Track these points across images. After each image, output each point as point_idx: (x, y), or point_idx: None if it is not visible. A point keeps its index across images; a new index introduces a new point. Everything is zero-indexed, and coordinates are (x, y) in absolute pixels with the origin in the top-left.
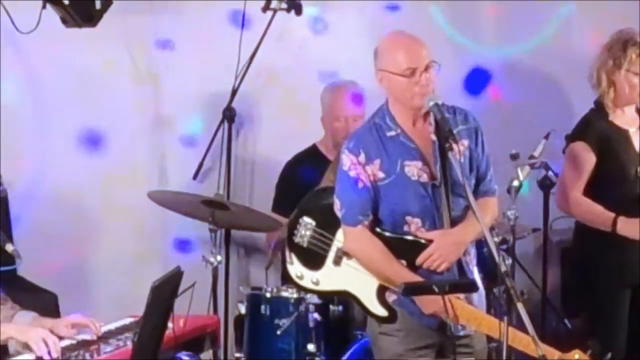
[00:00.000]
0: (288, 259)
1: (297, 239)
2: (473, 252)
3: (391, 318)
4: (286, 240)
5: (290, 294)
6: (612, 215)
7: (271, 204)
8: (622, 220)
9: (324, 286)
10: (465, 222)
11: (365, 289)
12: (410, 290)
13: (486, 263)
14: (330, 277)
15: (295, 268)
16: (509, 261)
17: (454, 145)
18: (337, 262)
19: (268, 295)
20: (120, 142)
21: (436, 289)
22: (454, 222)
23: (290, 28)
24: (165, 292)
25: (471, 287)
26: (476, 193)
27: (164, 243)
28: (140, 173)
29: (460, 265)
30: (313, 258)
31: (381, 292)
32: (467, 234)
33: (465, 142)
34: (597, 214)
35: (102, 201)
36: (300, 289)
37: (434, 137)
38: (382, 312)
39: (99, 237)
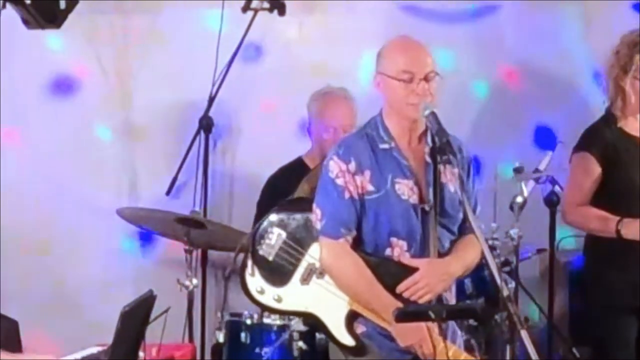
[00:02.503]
0: (249, 271)
1: (262, 251)
2: (454, 289)
3: (358, 349)
4: (250, 250)
5: (273, 320)
6: (616, 218)
7: (252, 222)
8: (626, 222)
9: (287, 305)
10: (455, 253)
11: (333, 313)
12: (404, 315)
13: (487, 287)
14: (295, 296)
15: (256, 281)
16: (512, 285)
17: (452, 159)
18: (305, 279)
19: (249, 321)
20: (87, 154)
21: (432, 315)
22: (440, 254)
23: (273, 30)
24: (137, 318)
25: (472, 313)
26: (462, 229)
27: (135, 264)
28: (109, 188)
29: (439, 300)
30: (278, 273)
31: (351, 319)
32: (457, 267)
33: (456, 171)
34: (600, 219)
35: (67, 219)
36: (258, 305)
37: (428, 159)
38: (349, 341)
39: (63, 258)
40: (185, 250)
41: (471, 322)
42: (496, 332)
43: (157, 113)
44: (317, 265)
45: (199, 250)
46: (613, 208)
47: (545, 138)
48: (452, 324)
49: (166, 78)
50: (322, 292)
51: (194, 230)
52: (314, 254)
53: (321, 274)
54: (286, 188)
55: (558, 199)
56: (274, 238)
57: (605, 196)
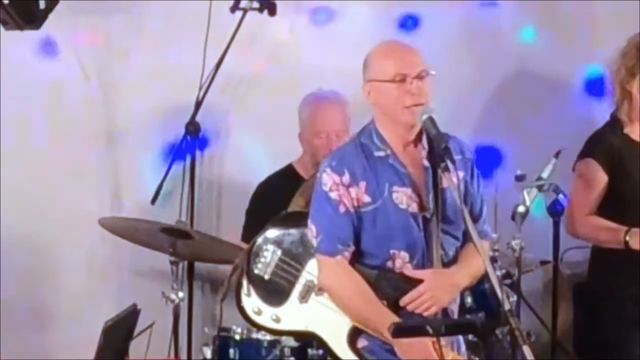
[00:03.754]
0: (245, 290)
1: (258, 270)
2: (458, 300)
3: None
4: (245, 269)
5: (263, 335)
6: (624, 228)
7: (240, 233)
8: (633, 232)
9: (286, 325)
10: (461, 263)
11: (334, 331)
12: (401, 330)
13: (488, 300)
14: (294, 315)
15: (253, 301)
16: (514, 298)
17: (450, 165)
18: (304, 297)
19: (237, 337)
20: (67, 161)
21: (430, 330)
22: (444, 264)
23: (263, 31)
24: (120, 333)
25: (472, 328)
26: (467, 237)
27: (118, 277)
28: (90, 197)
29: (445, 313)
30: (275, 292)
31: (354, 335)
32: (463, 277)
33: (461, 174)
34: (607, 230)
35: (47, 229)
36: (256, 326)
37: (426, 164)
38: (353, 358)
39: (42, 270)
40: (171, 262)
41: (471, 337)
42: (497, 348)
43: (141, 117)
44: (316, 282)
45: (185, 262)
46: (619, 217)
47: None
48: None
49: (150, 81)
50: (322, 310)
51: (180, 241)
52: (311, 270)
53: (320, 291)
54: (276, 196)
55: (562, 208)
56: (269, 256)
57: (611, 205)
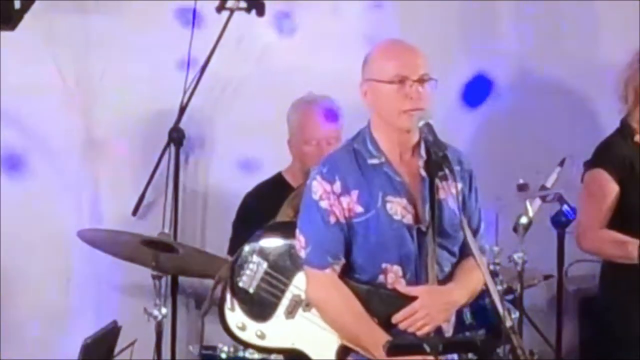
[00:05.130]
0: (229, 305)
1: (242, 282)
2: (453, 320)
3: None
4: (228, 282)
5: (250, 354)
6: (637, 242)
7: (227, 246)
8: None
9: (271, 341)
10: (458, 279)
11: (322, 349)
12: (396, 348)
13: (488, 317)
14: (279, 331)
15: (237, 316)
16: (516, 315)
17: (448, 174)
18: (290, 313)
19: (224, 355)
20: (43, 169)
21: (427, 349)
22: (439, 281)
23: (251, 32)
24: (99, 351)
25: (472, 346)
26: (464, 251)
27: (97, 292)
28: (68, 207)
29: (438, 332)
30: (261, 306)
31: (342, 354)
32: (460, 295)
33: (459, 185)
34: (618, 244)
35: (22, 242)
36: (240, 342)
37: (423, 173)
38: None
39: (17, 283)
40: (153, 276)
41: (470, 356)
42: None
43: (121, 124)
44: (303, 296)
45: (169, 277)
46: (630, 230)
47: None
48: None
49: (132, 85)
50: (310, 327)
51: (162, 254)
52: (299, 284)
53: (308, 307)
54: (264, 207)
55: (567, 219)
56: (255, 268)
57: (622, 217)
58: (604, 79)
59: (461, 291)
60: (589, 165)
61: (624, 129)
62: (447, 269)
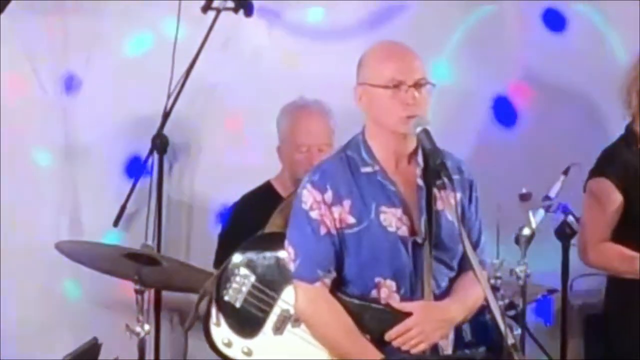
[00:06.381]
0: (214, 320)
1: (228, 296)
2: (451, 337)
3: None
4: (214, 295)
5: None
6: None
7: (213, 258)
8: None
9: (258, 358)
10: (455, 295)
11: None
12: None
13: (489, 334)
14: (267, 348)
15: (222, 332)
16: (518, 331)
17: (447, 183)
18: (278, 328)
19: None
20: (19, 178)
21: None
22: (435, 296)
23: (238, 33)
24: None
25: None
26: (462, 266)
27: (77, 307)
28: (46, 218)
29: (434, 350)
30: (247, 321)
31: None
32: (457, 311)
33: (458, 196)
34: (625, 259)
35: None
36: (225, 359)
37: (420, 182)
38: None
39: None
40: (136, 291)
41: None
42: None
43: (102, 131)
44: (292, 311)
45: (152, 291)
46: (635, 242)
47: None
48: None
49: (113, 90)
50: (299, 343)
51: (145, 267)
52: (287, 298)
53: (296, 322)
54: (252, 217)
55: (572, 231)
56: (242, 281)
57: (626, 228)
58: (612, 83)
59: (458, 307)
60: (592, 173)
61: (628, 136)
62: (444, 283)
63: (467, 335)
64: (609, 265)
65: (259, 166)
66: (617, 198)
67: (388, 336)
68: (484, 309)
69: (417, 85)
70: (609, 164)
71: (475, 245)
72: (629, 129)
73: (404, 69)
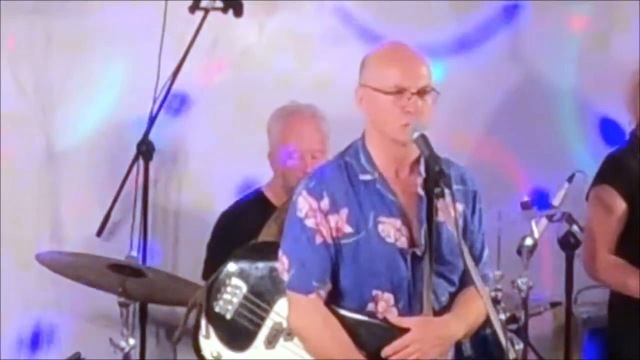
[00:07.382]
0: (203, 332)
1: (219, 307)
2: (451, 354)
3: None
4: (203, 306)
5: None
6: None
7: (201, 270)
8: None
9: None
10: (456, 310)
11: None
12: None
13: (489, 348)
14: None
15: (212, 345)
16: (520, 346)
17: (446, 191)
18: (270, 342)
19: None
20: None
21: None
22: (435, 312)
23: (228, 34)
24: None
25: None
26: (464, 280)
27: (59, 321)
28: (26, 228)
29: None
30: (238, 334)
31: None
32: (457, 328)
33: (460, 207)
34: (633, 276)
35: None
36: None
37: (421, 192)
38: None
39: None
40: (120, 304)
41: None
42: None
43: (85, 136)
44: (285, 324)
45: (137, 304)
46: (635, 252)
47: None
48: None
49: (96, 93)
50: (291, 357)
51: (130, 279)
52: (280, 311)
53: (290, 336)
54: (242, 226)
55: (576, 241)
56: (233, 291)
57: (629, 239)
58: (619, 88)
59: (459, 324)
60: (595, 181)
61: (633, 142)
62: (444, 298)
63: (467, 350)
64: (615, 282)
65: (248, 173)
66: (620, 205)
67: (384, 352)
68: (485, 323)
69: (421, 92)
70: (614, 170)
71: (477, 260)
72: (634, 135)
73: (408, 76)
